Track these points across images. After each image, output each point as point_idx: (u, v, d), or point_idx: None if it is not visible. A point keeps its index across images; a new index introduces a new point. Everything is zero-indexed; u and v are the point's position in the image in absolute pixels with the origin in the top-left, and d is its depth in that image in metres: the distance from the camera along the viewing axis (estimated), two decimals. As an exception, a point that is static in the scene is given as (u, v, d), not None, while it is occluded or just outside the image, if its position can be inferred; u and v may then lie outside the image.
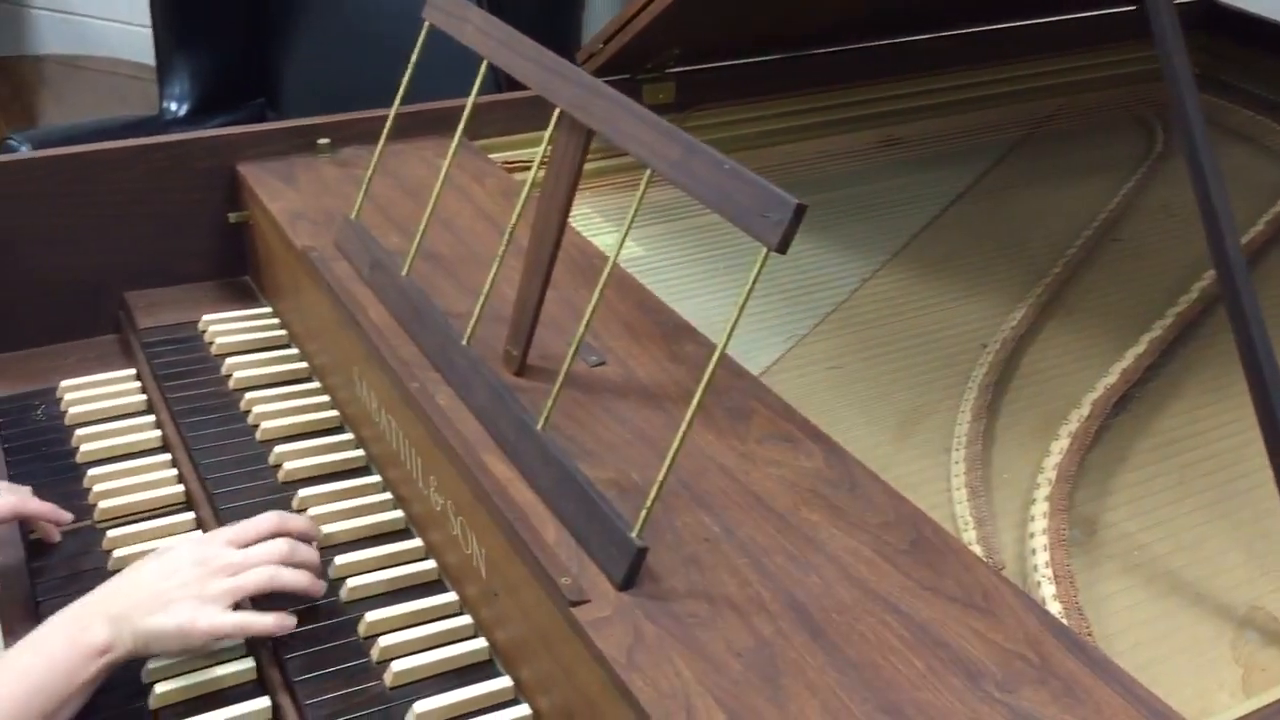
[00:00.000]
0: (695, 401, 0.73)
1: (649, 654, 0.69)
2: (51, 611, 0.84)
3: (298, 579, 0.89)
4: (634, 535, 0.74)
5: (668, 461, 0.74)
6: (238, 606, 0.87)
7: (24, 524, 1.01)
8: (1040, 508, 0.89)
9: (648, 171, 0.80)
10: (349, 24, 2.16)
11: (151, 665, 0.87)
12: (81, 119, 2.35)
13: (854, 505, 0.82)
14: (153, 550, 0.90)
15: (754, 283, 0.71)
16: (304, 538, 0.92)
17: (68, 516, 1.01)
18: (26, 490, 1.00)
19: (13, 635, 0.92)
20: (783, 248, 0.69)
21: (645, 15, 1.29)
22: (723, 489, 0.84)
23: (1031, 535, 0.87)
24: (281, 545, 0.90)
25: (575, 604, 0.73)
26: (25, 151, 1.87)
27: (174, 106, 2.20)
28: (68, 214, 1.23)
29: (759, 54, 1.57)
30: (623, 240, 0.82)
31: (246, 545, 0.89)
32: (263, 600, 0.89)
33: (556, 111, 0.90)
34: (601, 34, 1.42)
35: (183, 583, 0.85)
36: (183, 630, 0.83)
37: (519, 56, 0.95)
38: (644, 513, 0.74)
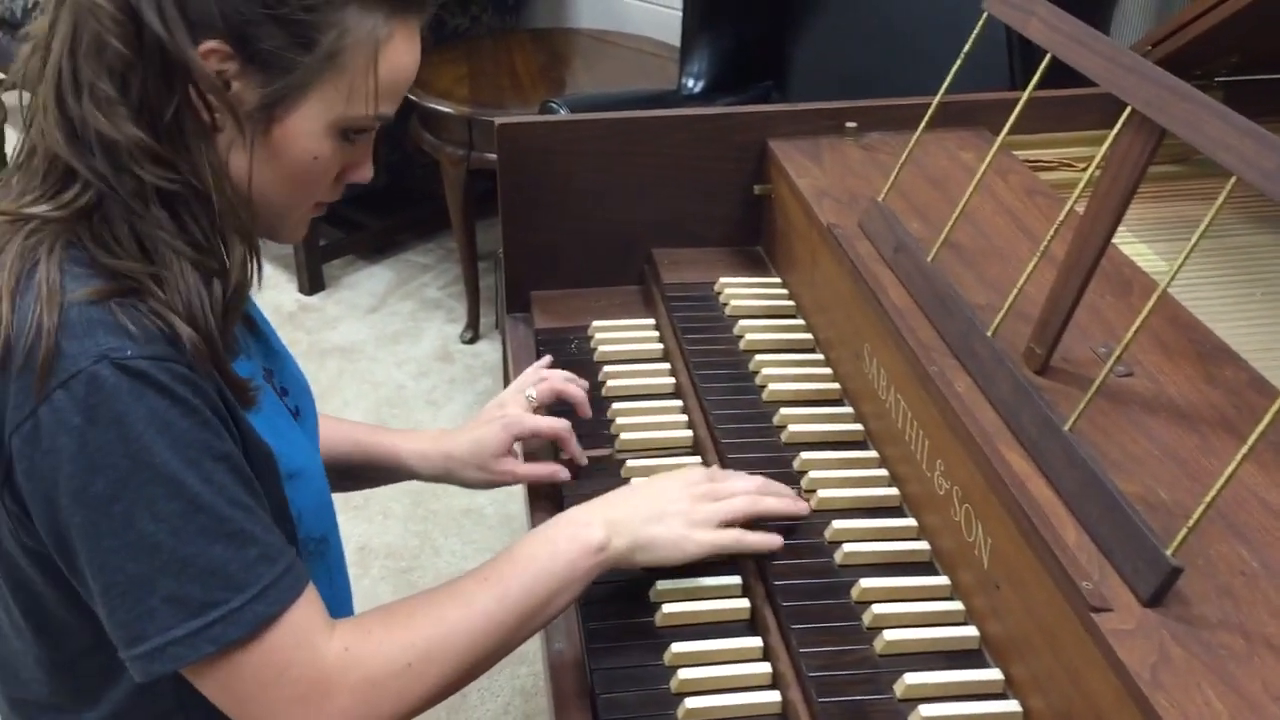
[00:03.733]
0: (1254, 437, 0.69)
1: (1176, 677, 0.67)
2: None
3: (779, 504, 0.96)
4: (1169, 553, 0.71)
5: (1216, 487, 0.71)
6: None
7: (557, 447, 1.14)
8: None
9: (1231, 180, 0.76)
10: (864, 14, 2.20)
11: (660, 586, 0.95)
12: (606, 88, 2.57)
13: None
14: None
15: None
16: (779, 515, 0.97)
17: (583, 463, 1.12)
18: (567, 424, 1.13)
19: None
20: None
21: (1211, 17, 1.22)
22: (1263, 525, 0.78)
23: None
24: (757, 479, 0.97)
25: (1097, 610, 0.71)
26: (566, 113, 2.07)
27: (690, 83, 2.35)
28: (618, 171, 1.36)
29: (1326, 67, 1.43)
30: (1187, 253, 0.80)
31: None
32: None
33: (1127, 110, 0.87)
34: (1150, 36, 1.35)
35: (674, 500, 0.93)
36: (677, 542, 0.92)
37: (1090, 52, 0.93)
38: (1184, 532, 0.71)
